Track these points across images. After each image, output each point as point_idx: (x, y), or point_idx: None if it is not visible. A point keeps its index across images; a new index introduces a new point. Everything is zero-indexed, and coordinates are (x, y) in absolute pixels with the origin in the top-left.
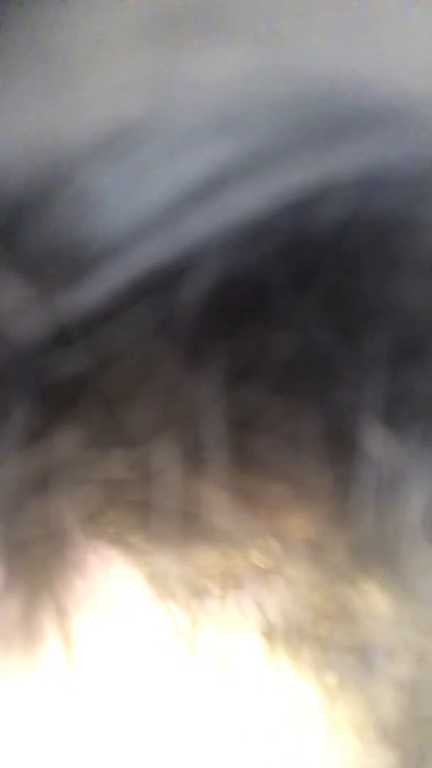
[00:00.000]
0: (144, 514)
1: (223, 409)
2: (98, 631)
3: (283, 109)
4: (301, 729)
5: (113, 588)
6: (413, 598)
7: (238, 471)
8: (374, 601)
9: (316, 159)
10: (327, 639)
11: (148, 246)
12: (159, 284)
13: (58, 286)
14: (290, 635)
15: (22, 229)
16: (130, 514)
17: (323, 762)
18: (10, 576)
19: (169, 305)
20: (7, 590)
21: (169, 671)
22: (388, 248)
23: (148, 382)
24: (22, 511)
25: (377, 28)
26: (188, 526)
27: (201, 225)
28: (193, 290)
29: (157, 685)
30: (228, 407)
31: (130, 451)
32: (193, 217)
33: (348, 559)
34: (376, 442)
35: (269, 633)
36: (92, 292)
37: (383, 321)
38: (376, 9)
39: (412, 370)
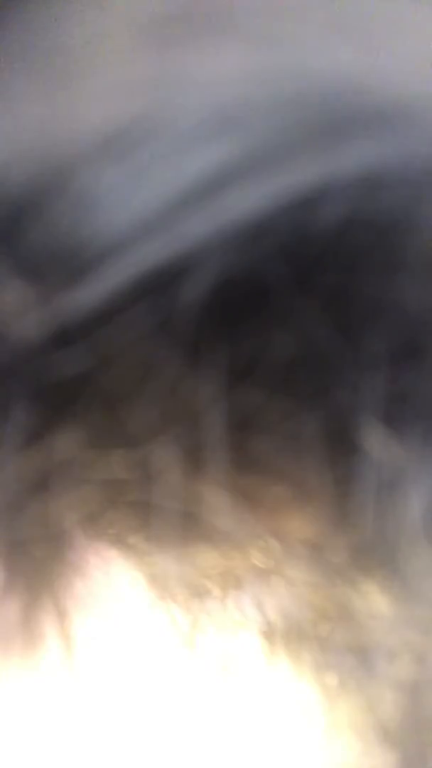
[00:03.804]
0: (144, 514)
1: (223, 409)
2: (98, 632)
3: (283, 109)
4: (301, 729)
5: (113, 589)
6: (413, 599)
7: (238, 471)
8: (374, 601)
9: (316, 159)
10: (327, 639)
11: (148, 246)
12: (159, 284)
13: (58, 286)
14: (290, 635)
15: (23, 229)
16: (130, 515)
17: (323, 762)
18: (10, 576)
19: (169, 305)
20: (7, 590)
21: (169, 671)
22: (388, 248)
23: (148, 382)
24: (22, 511)
25: (377, 28)
26: (188, 527)
27: (201, 225)
28: (193, 290)
29: (157, 685)
30: (228, 407)
31: (130, 451)
32: (193, 217)
33: (348, 559)
34: (376, 442)
35: (269, 633)
36: (92, 292)
37: (383, 321)
38: (376, 9)
39: (412, 370)
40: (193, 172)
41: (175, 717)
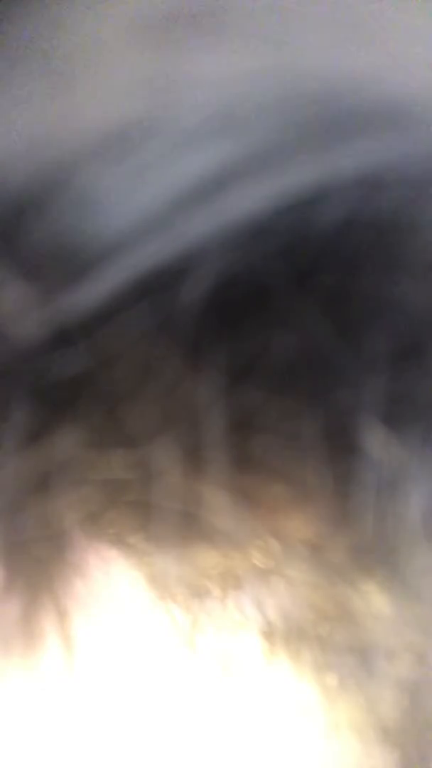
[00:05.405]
0: (144, 514)
1: (223, 409)
2: (98, 632)
3: (283, 109)
4: (301, 729)
5: (113, 589)
6: (413, 598)
7: (238, 471)
8: (374, 601)
9: (316, 159)
10: (327, 639)
11: (148, 246)
12: (159, 284)
13: (58, 286)
14: (290, 635)
15: (23, 229)
16: (130, 515)
17: (323, 762)
18: (10, 576)
19: (169, 305)
20: (7, 590)
21: (169, 671)
22: (388, 248)
23: (148, 382)
24: (22, 511)
25: (377, 28)
26: (188, 527)
27: (201, 225)
28: (194, 290)
29: (157, 685)
30: (228, 407)
31: (130, 451)
32: (193, 217)
33: (348, 559)
34: (376, 442)
35: (269, 633)
36: (92, 292)
37: (383, 321)
38: (376, 9)
39: (412, 370)
40: (193, 172)
41: (175, 717)
